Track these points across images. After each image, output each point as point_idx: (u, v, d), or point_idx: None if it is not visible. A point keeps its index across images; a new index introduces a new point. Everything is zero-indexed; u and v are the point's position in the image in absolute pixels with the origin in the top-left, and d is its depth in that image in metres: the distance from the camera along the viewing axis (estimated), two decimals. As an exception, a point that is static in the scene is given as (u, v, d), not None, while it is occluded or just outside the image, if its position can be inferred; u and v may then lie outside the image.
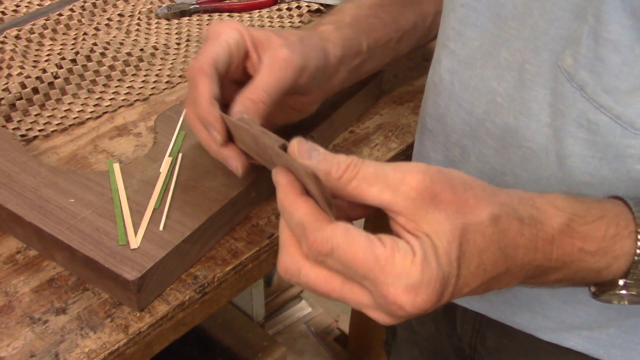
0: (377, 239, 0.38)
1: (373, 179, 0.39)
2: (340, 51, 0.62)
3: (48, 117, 0.73)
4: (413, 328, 0.81)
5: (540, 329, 0.57)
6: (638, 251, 0.43)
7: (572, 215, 0.43)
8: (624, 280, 0.44)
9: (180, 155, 0.64)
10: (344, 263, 0.37)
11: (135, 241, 0.55)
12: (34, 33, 0.85)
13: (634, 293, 0.44)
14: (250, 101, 0.53)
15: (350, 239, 0.37)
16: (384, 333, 0.94)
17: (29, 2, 0.92)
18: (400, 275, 0.37)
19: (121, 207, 0.58)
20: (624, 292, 0.44)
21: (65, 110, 0.74)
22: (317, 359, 1.63)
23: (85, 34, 0.86)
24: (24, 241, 0.59)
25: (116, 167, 0.62)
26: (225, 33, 0.55)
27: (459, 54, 0.55)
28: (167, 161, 0.63)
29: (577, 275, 0.43)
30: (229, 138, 0.53)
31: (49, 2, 0.92)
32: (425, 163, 0.40)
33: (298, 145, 0.41)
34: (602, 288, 0.45)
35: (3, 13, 0.89)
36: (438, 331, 0.75)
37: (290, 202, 0.40)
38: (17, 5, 0.91)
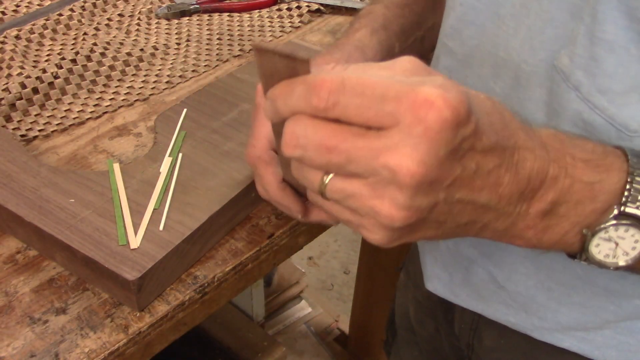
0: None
1: (361, 69, 0.36)
2: (378, 56, 0.62)
3: (48, 117, 0.73)
4: (413, 328, 0.81)
5: (536, 329, 0.58)
6: (630, 170, 0.40)
7: (558, 132, 0.42)
8: (618, 207, 0.41)
9: (180, 155, 0.64)
10: (360, 91, 0.33)
11: (135, 241, 0.55)
12: (34, 33, 0.85)
13: (628, 232, 0.41)
14: None
15: (361, 71, 0.35)
16: (384, 333, 0.94)
17: (29, 2, 0.92)
18: (425, 82, 0.33)
19: (121, 207, 0.58)
20: (616, 230, 0.41)
21: (65, 110, 0.74)
22: (317, 359, 1.63)
23: (85, 34, 0.86)
24: (24, 241, 0.59)
25: (116, 167, 0.62)
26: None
27: (457, 53, 0.55)
28: (167, 161, 0.63)
29: (572, 190, 0.40)
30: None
31: (49, 2, 0.92)
32: None
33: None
34: (595, 227, 0.41)
35: (3, 13, 0.89)
36: (437, 331, 0.75)
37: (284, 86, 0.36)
38: (17, 5, 0.91)
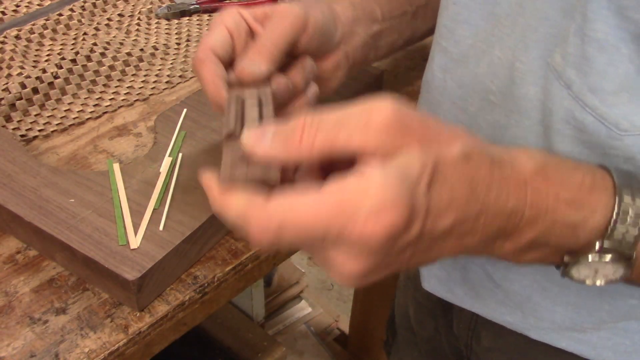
0: (323, 191, 0.35)
1: (337, 127, 0.36)
2: (350, 11, 0.61)
3: (48, 117, 0.73)
4: (413, 329, 0.81)
5: (532, 329, 0.58)
6: (616, 208, 0.41)
7: (546, 161, 0.41)
8: (600, 242, 0.41)
9: (180, 155, 0.64)
10: (300, 235, 0.35)
11: (135, 241, 0.55)
12: (34, 33, 0.85)
13: (608, 262, 0.41)
14: (252, 51, 0.53)
15: (295, 206, 0.35)
16: (384, 333, 0.94)
17: (29, 2, 0.92)
18: (359, 205, 0.34)
19: (121, 207, 0.58)
20: (597, 260, 0.41)
21: (65, 110, 0.74)
22: (317, 359, 1.63)
23: (85, 34, 0.86)
24: (24, 241, 0.59)
25: (116, 167, 0.62)
26: (222, 19, 0.55)
27: (451, 52, 0.55)
28: (167, 161, 0.63)
29: (553, 231, 0.40)
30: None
31: (49, 2, 0.92)
32: None
33: (250, 138, 0.38)
34: (576, 257, 0.42)
35: (3, 13, 0.89)
36: (437, 331, 0.75)
37: (218, 204, 0.38)
38: (17, 5, 0.91)
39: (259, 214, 0.36)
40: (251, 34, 0.56)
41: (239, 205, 0.37)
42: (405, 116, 0.37)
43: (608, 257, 0.41)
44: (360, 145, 0.36)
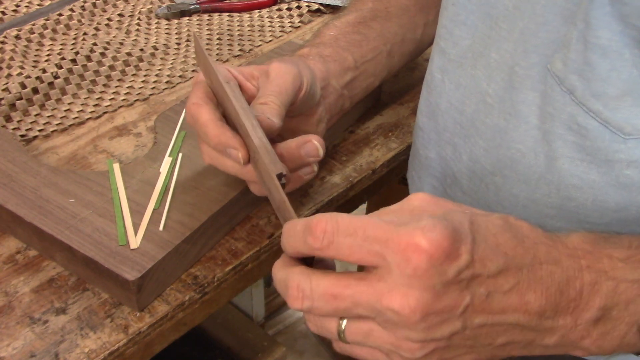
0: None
1: (374, 216, 0.38)
2: (322, 66, 0.62)
3: (48, 117, 0.73)
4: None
5: None
6: None
7: (587, 234, 0.41)
8: None
9: (180, 155, 0.64)
10: (352, 232, 0.36)
11: (135, 241, 0.55)
12: (34, 33, 0.85)
13: None
14: (261, 105, 0.52)
15: (373, 216, 0.37)
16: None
17: (29, 2, 0.92)
18: (409, 223, 0.35)
19: (121, 207, 0.58)
20: None
21: (65, 110, 0.74)
22: (317, 359, 1.63)
23: (85, 34, 0.86)
24: (24, 241, 0.59)
25: (116, 167, 0.62)
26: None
27: (449, 53, 0.55)
28: (167, 161, 0.63)
29: (619, 291, 0.39)
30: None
31: (49, 2, 0.92)
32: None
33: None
34: None
35: (3, 13, 0.89)
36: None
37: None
38: (17, 5, 0.91)
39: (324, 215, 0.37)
40: (242, 90, 0.55)
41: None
42: (436, 201, 0.39)
43: None
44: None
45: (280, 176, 0.45)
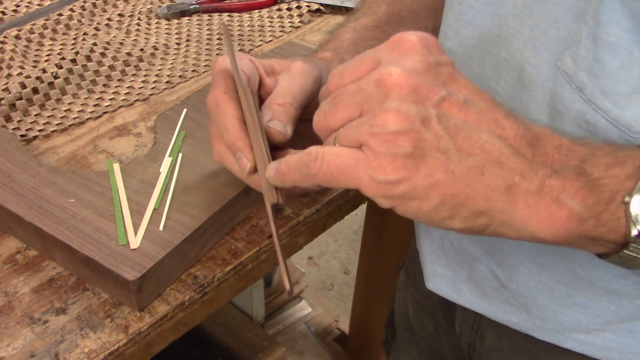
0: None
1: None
2: (335, 58, 0.61)
3: (48, 117, 0.73)
4: (412, 328, 0.81)
5: (538, 329, 0.58)
6: None
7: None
8: None
9: (180, 155, 0.64)
10: (359, 59, 0.42)
11: (135, 241, 0.55)
12: (34, 33, 0.85)
13: None
14: (277, 106, 0.52)
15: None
16: (384, 333, 0.94)
17: (29, 2, 0.92)
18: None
19: (121, 207, 0.58)
20: None
21: (65, 110, 0.74)
22: (317, 359, 1.63)
23: (85, 34, 0.86)
24: (24, 241, 0.59)
25: (116, 167, 0.62)
26: (238, 61, 0.54)
27: (455, 52, 0.55)
28: (167, 161, 0.63)
29: (598, 156, 0.39)
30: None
31: (49, 2, 0.92)
32: None
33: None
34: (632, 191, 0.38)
35: (3, 13, 0.89)
36: (437, 331, 0.75)
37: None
38: (17, 5, 0.91)
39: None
40: (261, 83, 0.55)
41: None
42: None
43: None
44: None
45: (275, 207, 0.45)
